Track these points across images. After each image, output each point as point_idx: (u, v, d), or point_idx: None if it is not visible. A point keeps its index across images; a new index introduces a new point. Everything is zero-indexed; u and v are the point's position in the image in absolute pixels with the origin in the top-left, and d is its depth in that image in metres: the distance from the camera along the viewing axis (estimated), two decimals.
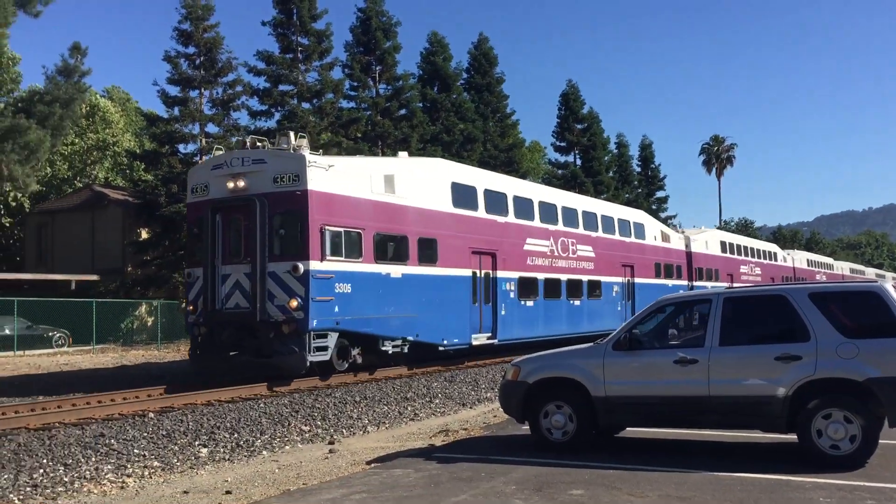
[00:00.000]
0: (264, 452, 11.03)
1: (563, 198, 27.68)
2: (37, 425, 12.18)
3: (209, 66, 38.16)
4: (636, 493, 7.62)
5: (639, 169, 68.54)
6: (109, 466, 9.86)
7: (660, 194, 69.20)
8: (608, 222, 29.47)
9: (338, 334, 16.94)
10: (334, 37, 41.54)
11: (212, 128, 38.76)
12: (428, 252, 19.62)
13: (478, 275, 21.54)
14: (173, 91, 38.13)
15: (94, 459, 10.14)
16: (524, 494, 7.66)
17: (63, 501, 8.55)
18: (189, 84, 38.12)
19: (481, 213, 22.01)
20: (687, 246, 37.40)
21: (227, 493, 8.59)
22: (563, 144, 58.36)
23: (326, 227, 16.53)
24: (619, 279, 29.65)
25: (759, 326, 9.31)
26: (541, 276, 24.43)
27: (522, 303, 23.43)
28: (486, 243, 21.97)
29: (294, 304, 16.02)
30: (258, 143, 17.59)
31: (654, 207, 65.14)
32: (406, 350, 18.97)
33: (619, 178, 62.53)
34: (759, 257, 48.87)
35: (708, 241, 40.59)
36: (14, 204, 47.14)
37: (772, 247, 55.26)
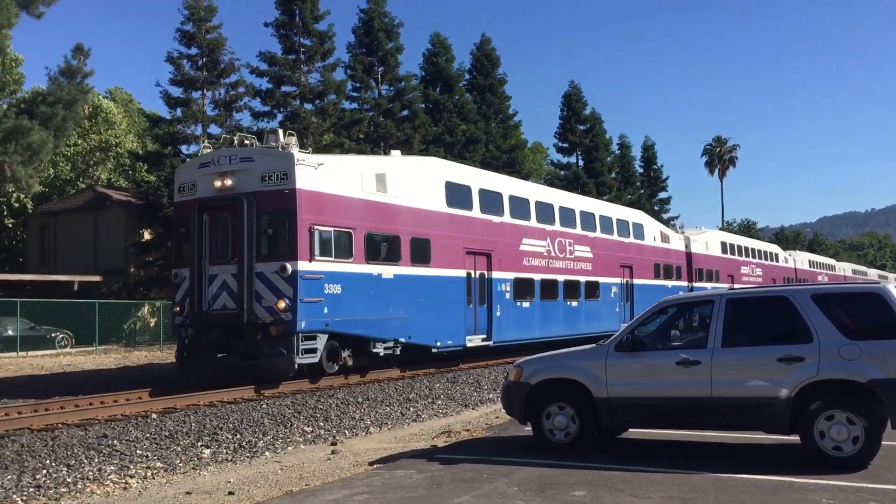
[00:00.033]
0: (267, 453, 11.04)
1: (560, 198, 27.35)
2: (40, 426, 12.19)
3: (212, 68, 38.21)
4: (639, 494, 7.62)
5: (641, 170, 68.55)
6: (112, 467, 9.87)
7: (662, 195, 69.28)
8: (606, 222, 29.15)
9: (327, 336, 16.63)
10: (336, 38, 41.66)
11: (214, 129, 38.79)
12: (421, 252, 19.31)
13: (472, 275, 21.27)
14: (176, 92, 38.22)
15: (97, 460, 10.15)
16: (526, 496, 7.67)
17: (66, 502, 8.56)
18: (191, 85, 38.17)
19: (476, 212, 21.70)
20: (687, 247, 37.11)
21: (230, 493, 8.60)
22: (565, 145, 58.37)
23: (315, 227, 16.24)
24: (618, 280, 29.37)
25: (762, 328, 9.31)
26: (537, 276, 24.16)
27: (518, 304, 23.16)
28: (481, 243, 21.68)
29: (282, 305, 15.74)
30: (246, 141, 17.25)
31: (656, 208, 65.15)
32: (398, 352, 18.65)
33: (621, 180, 62.51)
34: (760, 258, 48.68)
35: (708, 242, 40.32)
36: (17, 205, 47.22)
37: (773, 247, 55.09)
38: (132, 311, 37.27)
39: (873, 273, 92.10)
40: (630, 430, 10.55)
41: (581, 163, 58.09)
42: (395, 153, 21.53)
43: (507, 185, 24.08)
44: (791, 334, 8.91)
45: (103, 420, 12.83)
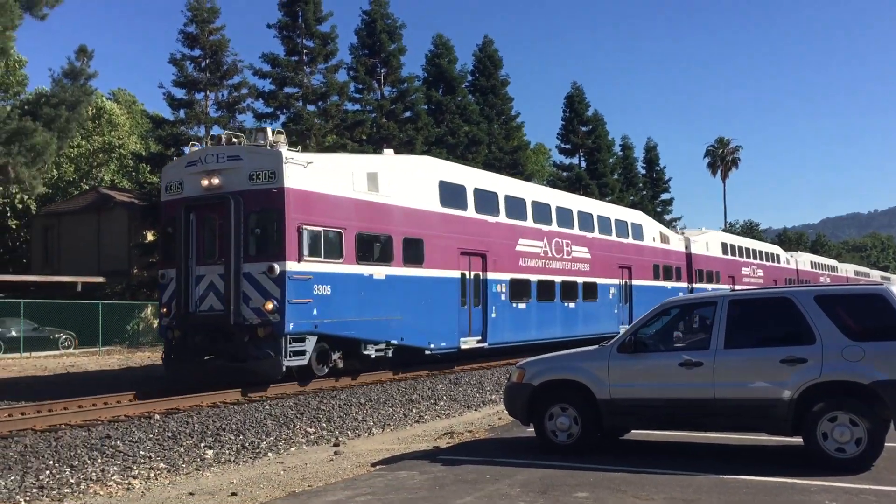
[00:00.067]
0: (269, 454, 11.05)
1: (557, 198, 26.99)
2: (43, 427, 12.21)
3: (215, 69, 38.25)
4: (641, 495, 7.62)
5: (644, 171, 68.50)
6: (115, 468, 9.88)
7: (665, 196, 69.22)
8: (605, 223, 28.81)
9: (316, 338, 16.34)
10: (339, 39, 41.64)
11: (217, 130, 38.83)
12: (414, 253, 19.02)
13: (467, 276, 20.97)
14: (179, 93, 38.25)
15: (100, 461, 10.17)
16: (529, 497, 7.67)
17: (69, 503, 8.58)
18: (194, 86, 38.21)
19: (471, 212, 21.37)
20: (687, 247, 36.78)
21: (233, 494, 8.61)
22: (567, 146, 58.35)
23: (304, 227, 15.97)
24: (616, 281, 29.05)
25: (765, 329, 9.31)
26: (534, 277, 23.85)
27: (514, 305, 22.87)
28: (476, 244, 21.35)
29: (269, 306, 15.46)
30: (234, 140, 17.00)
31: (658, 210, 65.11)
32: (390, 354, 18.35)
33: (623, 181, 62.49)
34: (761, 259, 48.48)
35: (708, 243, 39.98)
36: (21, 206, 47.32)
37: (774, 248, 54.93)
38: (135, 312, 37.31)
39: (876, 274, 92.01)
40: (633, 431, 10.54)
41: (583, 164, 58.05)
42: (388, 152, 21.08)
43: (502, 185, 23.74)
44: (794, 336, 8.90)
45: (106, 421, 12.85)
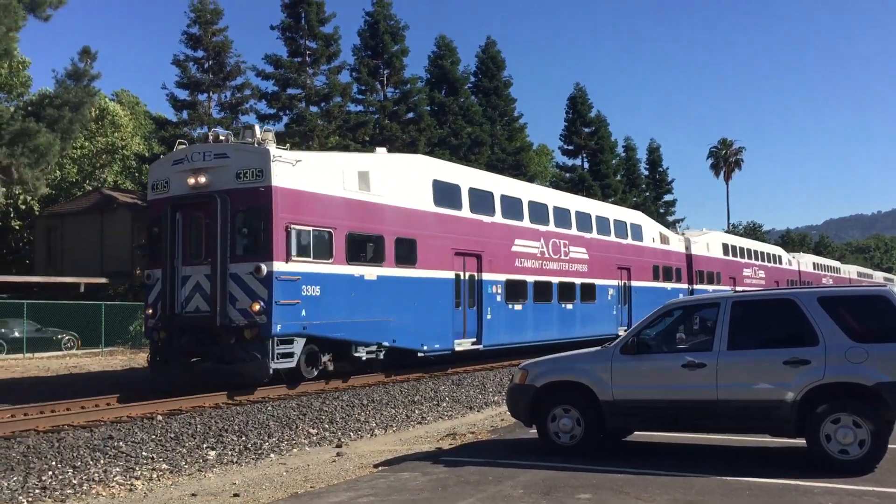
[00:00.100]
0: (272, 455, 11.05)
1: (554, 197, 26.68)
2: (46, 427, 12.23)
3: (218, 70, 38.34)
4: (644, 497, 7.61)
5: (647, 172, 68.44)
6: (118, 469, 9.89)
7: (668, 198, 69.19)
8: (603, 223, 28.48)
9: (305, 340, 16.06)
10: (342, 40, 41.69)
11: (220, 131, 38.84)
12: (406, 253, 18.75)
13: (462, 277, 20.70)
14: (182, 95, 38.38)
15: (102, 462, 10.18)
16: (532, 498, 7.66)
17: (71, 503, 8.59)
18: (198, 87, 38.30)
19: (465, 212, 21.06)
20: (687, 248, 36.49)
21: (235, 495, 8.61)
22: (570, 148, 58.36)
23: (292, 226, 15.69)
24: (615, 282, 28.74)
25: (768, 330, 9.30)
26: (530, 278, 23.58)
27: (510, 306, 22.60)
28: (471, 244, 21.06)
29: (256, 307, 15.16)
30: (221, 137, 16.75)
31: (661, 211, 65.09)
32: (381, 356, 18.07)
33: (626, 182, 62.46)
34: (762, 260, 48.31)
35: (709, 244, 39.67)
36: (24, 207, 47.36)
37: (776, 249, 54.77)
38: (138, 313, 37.22)
39: (879, 276, 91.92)
40: (635, 432, 10.53)
41: (586, 165, 58.05)
42: (381, 150, 20.61)
43: (498, 184, 23.42)
44: (797, 337, 8.89)
45: (109, 422, 12.86)
